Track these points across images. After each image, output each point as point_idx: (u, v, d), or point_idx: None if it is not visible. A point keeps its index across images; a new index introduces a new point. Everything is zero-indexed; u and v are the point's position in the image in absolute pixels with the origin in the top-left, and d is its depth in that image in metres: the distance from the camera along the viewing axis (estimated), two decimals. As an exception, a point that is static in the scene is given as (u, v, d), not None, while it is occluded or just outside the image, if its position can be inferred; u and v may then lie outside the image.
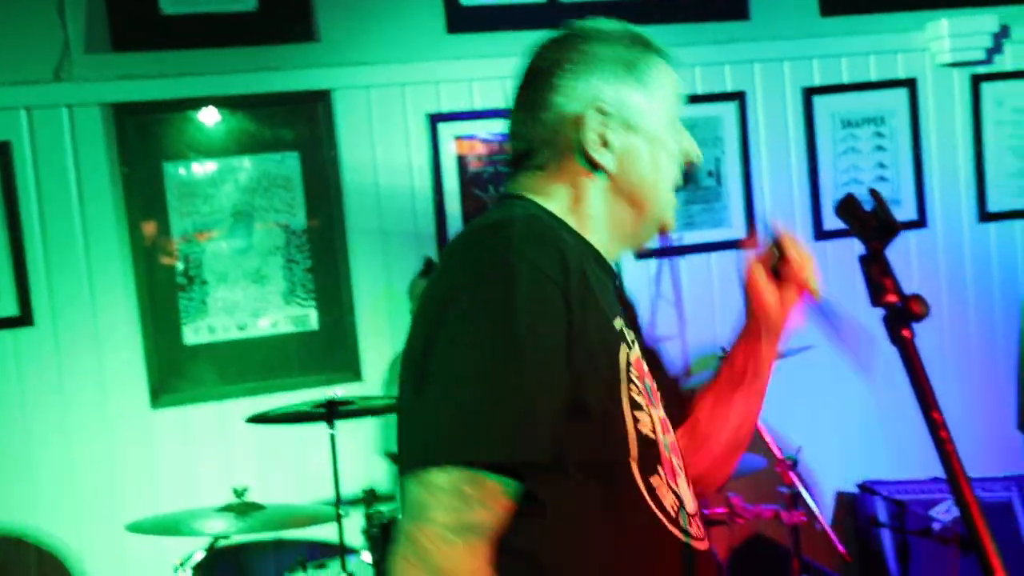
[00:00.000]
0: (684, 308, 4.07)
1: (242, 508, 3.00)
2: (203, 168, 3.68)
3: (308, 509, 3.34)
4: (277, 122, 3.74)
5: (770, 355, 1.53)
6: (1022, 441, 4.48)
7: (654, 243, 1.51)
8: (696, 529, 1.34)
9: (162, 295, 3.64)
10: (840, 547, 3.02)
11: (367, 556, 3.19)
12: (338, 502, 3.09)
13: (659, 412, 1.35)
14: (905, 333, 0.96)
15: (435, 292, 1.23)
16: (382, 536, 2.93)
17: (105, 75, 3.52)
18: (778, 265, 1.49)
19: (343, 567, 3.01)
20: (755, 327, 1.53)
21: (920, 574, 3.97)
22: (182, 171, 3.65)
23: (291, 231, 3.76)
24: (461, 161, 3.88)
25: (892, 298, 0.98)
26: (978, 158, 4.40)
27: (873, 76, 4.28)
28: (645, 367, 1.39)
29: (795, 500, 3.03)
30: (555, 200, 1.37)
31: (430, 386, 1.17)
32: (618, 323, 1.34)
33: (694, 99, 4.01)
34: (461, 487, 1.10)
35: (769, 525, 3.74)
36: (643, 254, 4.00)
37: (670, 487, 1.30)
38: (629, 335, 1.37)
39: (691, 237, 4.07)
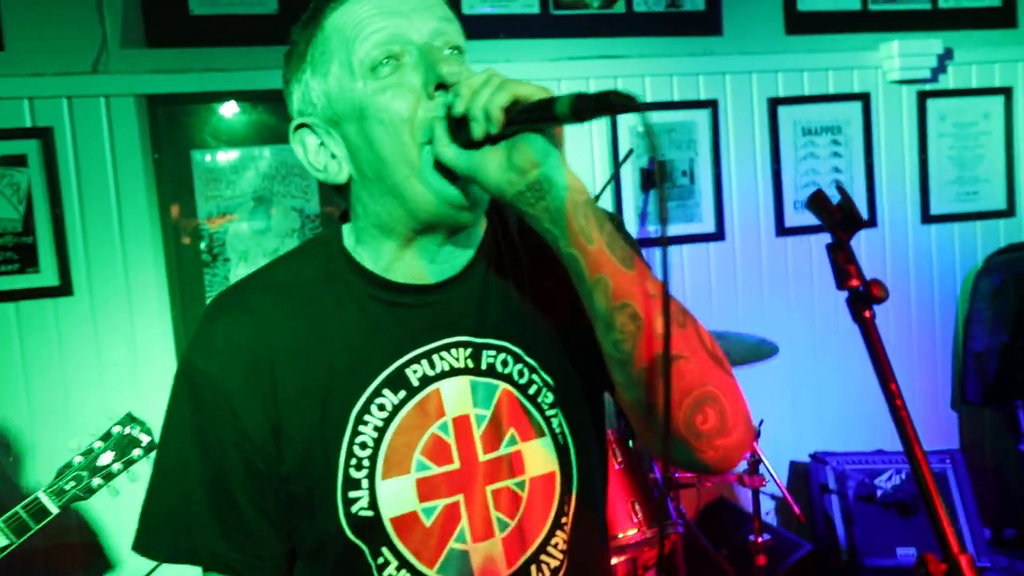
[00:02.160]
0: (659, 293, 4.08)
1: None
2: (226, 156, 3.68)
3: None
4: (294, 116, 3.76)
5: (542, 226, 1.01)
6: (956, 419, 4.55)
7: (451, 223, 1.10)
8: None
9: (188, 270, 3.65)
10: (796, 509, 3.06)
11: None
12: None
13: (418, 475, 1.12)
14: (866, 314, 0.96)
15: None
16: None
17: (139, 69, 3.51)
18: (459, 134, 1.01)
19: None
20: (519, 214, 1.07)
21: (863, 534, 4.03)
22: (208, 158, 3.65)
23: (305, 215, 3.77)
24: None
25: (855, 282, 0.97)
26: (922, 166, 4.42)
27: (831, 90, 4.30)
28: (456, 391, 1.14)
29: (756, 467, 3.03)
30: (351, 219, 1.18)
31: None
32: (384, 369, 1.12)
33: (671, 106, 4.08)
34: None
35: (733, 488, 3.80)
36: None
37: (406, 563, 1.12)
38: (426, 368, 1.13)
39: (667, 231, 4.07)
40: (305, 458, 1.10)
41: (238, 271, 3.68)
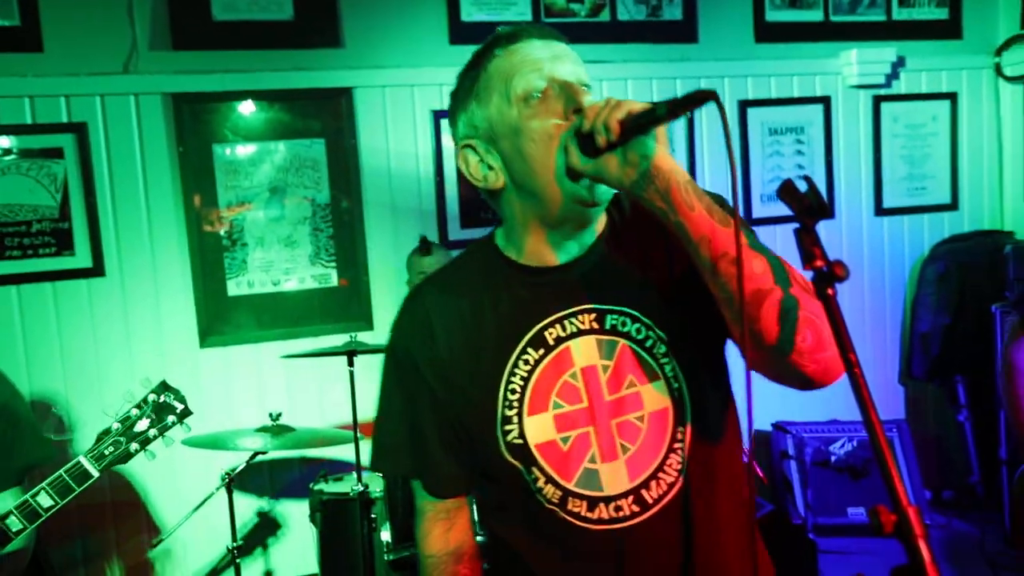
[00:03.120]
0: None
1: (276, 429, 3.00)
2: (245, 150, 3.67)
3: (329, 432, 3.34)
4: (307, 113, 3.73)
5: (659, 207, 1.15)
6: (902, 392, 4.59)
7: (584, 219, 1.28)
8: (607, 511, 1.27)
9: (210, 254, 3.64)
10: (759, 472, 3.08)
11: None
12: (355, 426, 3.09)
13: (555, 412, 1.28)
14: (830, 291, 0.98)
15: None
16: None
17: (166, 69, 3.50)
18: (584, 146, 1.18)
19: (358, 479, 3.00)
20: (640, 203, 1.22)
21: (818, 495, 4.07)
22: (228, 152, 3.64)
23: (317, 204, 3.76)
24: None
25: (820, 263, 0.97)
26: (876, 164, 4.44)
27: (795, 93, 4.31)
28: (581, 351, 1.29)
29: None
30: (502, 230, 1.39)
31: None
32: (527, 332, 1.30)
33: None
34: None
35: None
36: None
37: (551, 479, 1.28)
38: (559, 330, 1.30)
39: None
40: (471, 400, 1.32)
41: (255, 255, 3.68)
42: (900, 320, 4.57)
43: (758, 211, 4.25)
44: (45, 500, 1.72)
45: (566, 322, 1.31)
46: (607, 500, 1.28)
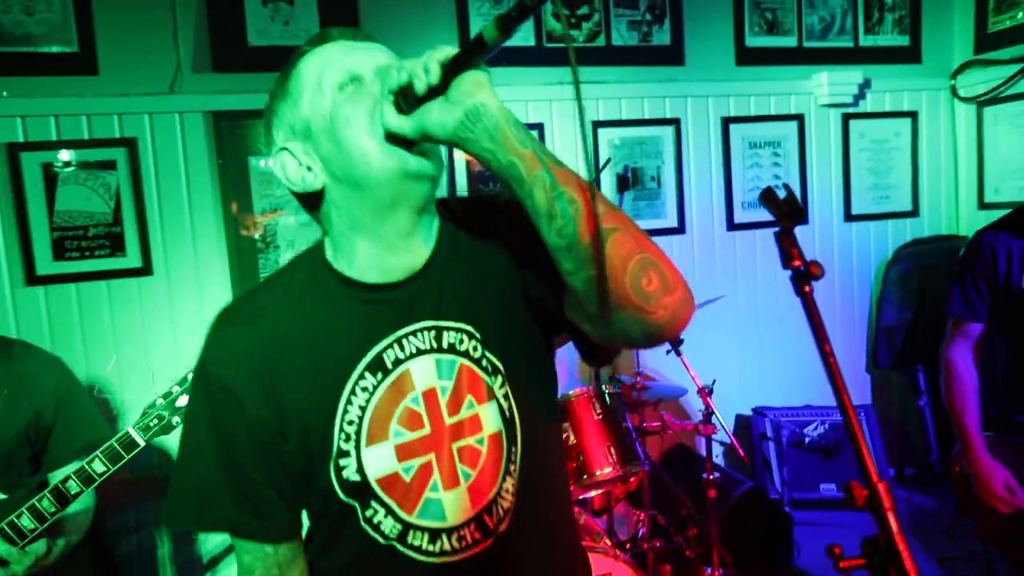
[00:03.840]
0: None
1: None
2: None
3: None
4: (332, 129, 3.77)
5: (485, 153, 1.00)
6: (869, 380, 4.61)
7: (419, 198, 1.09)
8: (448, 542, 1.14)
9: (246, 256, 3.65)
10: (740, 452, 3.09)
11: None
12: None
13: (396, 442, 1.12)
14: (807, 288, 0.97)
15: None
16: None
17: (206, 90, 3.52)
18: (406, 102, 1.02)
19: None
20: (466, 152, 1.05)
21: (793, 473, 4.11)
22: (262, 164, 3.65)
23: None
24: (468, 163, 3.89)
25: (797, 263, 0.97)
26: (845, 175, 4.46)
27: (773, 111, 4.32)
28: (421, 369, 1.13)
29: (708, 419, 3.05)
30: (329, 240, 1.17)
31: None
32: (363, 357, 1.11)
33: (642, 123, 4.10)
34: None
35: (690, 436, 3.84)
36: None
37: (391, 511, 1.12)
38: (398, 352, 1.13)
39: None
40: (304, 435, 1.11)
41: (286, 256, 3.65)
42: (867, 315, 4.59)
43: (739, 217, 4.26)
44: (99, 466, 1.75)
45: (405, 341, 1.13)
46: (449, 531, 1.14)
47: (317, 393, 1.11)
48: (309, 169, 1.10)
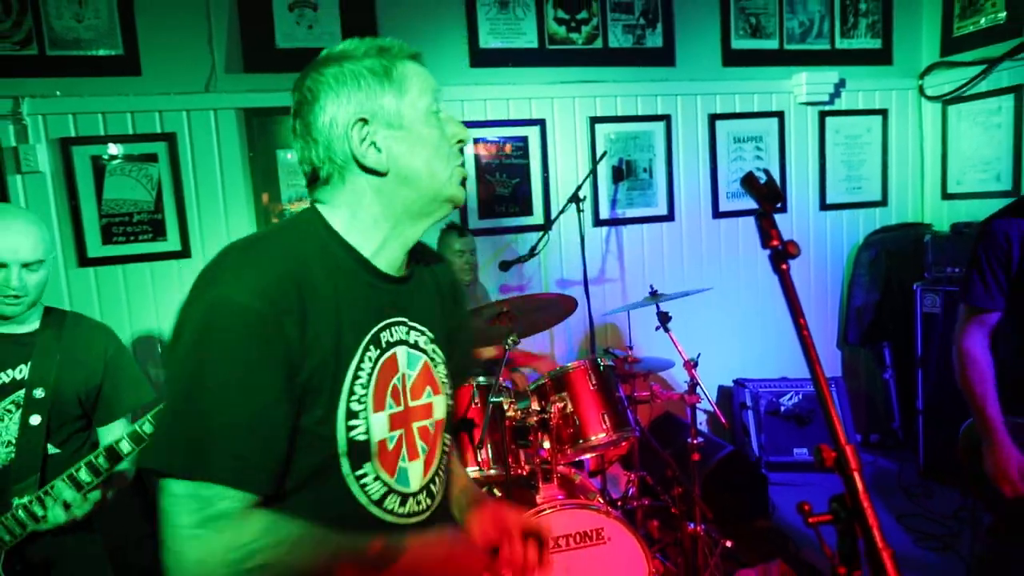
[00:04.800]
0: (624, 260, 4.14)
1: None
2: None
3: None
4: (353, 125, 3.76)
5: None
6: (839, 355, 4.63)
7: (446, 217, 1.21)
8: (410, 505, 1.17)
9: (275, 240, 3.68)
10: (722, 420, 3.09)
11: None
12: None
13: (389, 412, 1.13)
14: (783, 267, 0.96)
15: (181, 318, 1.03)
16: None
17: (239, 88, 3.53)
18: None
19: None
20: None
21: (769, 439, 4.13)
22: (289, 156, 3.66)
23: None
24: (477, 156, 3.90)
25: (776, 243, 0.96)
26: (821, 168, 4.45)
27: (756, 108, 4.31)
28: (404, 356, 1.17)
29: (693, 389, 3.04)
30: (340, 207, 1.14)
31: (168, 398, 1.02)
32: (370, 330, 1.12)
33: (636, 119, 4.10)
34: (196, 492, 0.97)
35: (677, 404, 3.86)
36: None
37: (379, 476, 1.12)
38: (398, 331, 1.17)
39: (631, 213, 4.12)
40: (312, 384, 1.04)
41: None
42: (839, 296, 4.60)
43: (724, 206, 4.27)
44: (148, 427, 1.76)
45: (393, 329, 1.17)
46: (412, 496, 1.18)
47: (335, 349, 1.07)
48: (379, 150, 1.11)
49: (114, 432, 1.87)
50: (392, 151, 1.12)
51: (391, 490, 1.14)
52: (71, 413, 1.83)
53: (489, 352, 3.29)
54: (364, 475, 1.10)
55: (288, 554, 0.99)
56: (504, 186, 3.95)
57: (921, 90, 4.51)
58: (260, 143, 3.61)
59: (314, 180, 1.16)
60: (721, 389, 4.39)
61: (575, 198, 3.50)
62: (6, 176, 3.26)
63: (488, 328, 2.70)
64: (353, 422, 1.08)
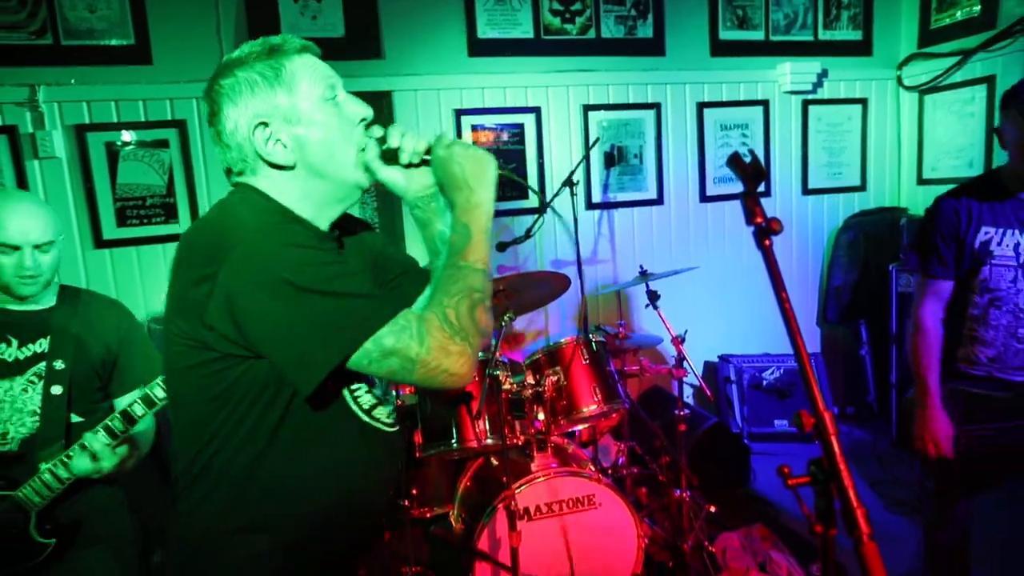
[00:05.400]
0: (615, 241, 4.13)
1: None
2: None
3: None
4: (356, 112, 3.74)
5: (429, 219, 1.35)
6: (819, 332, 4.64)
7: (354, 200, 1.27)
8: (387, 418, 1.27)
9: (282, 222, 3.67)
10: (708, 393, 3.12)
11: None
12: None
13: None
14: (767, 243, 0.97)
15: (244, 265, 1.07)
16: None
17: (246, 77, 3.51)
18: (385, 155, 1.26)
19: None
20: (411, 207, 1.36)
21: (752, 411, 4.16)
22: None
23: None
24: (475, 142, 3.85)
25: (760, 220, 0.97)
26: (804, 154, 4.44)
27: (742, 97, 4.29)
28: None
29: (681, 363, 3.05)
30: (276, 194, 1.20)
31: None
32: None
33: (627, 107, 4.07)
34: None
35: (665, 378, 3.87)
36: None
37: (369, 391, 1.24)
38: None
39: (622, 197, 4.11)
40: None
41: None
42: (819, 276, 4.60)
43: (711, 190, 4.25)
44: (159, 392, 1.77)
45: None
46: (391, 409, 1.29)
47: None
48: (284, 147, 1.16)
49: (127, 401, 1.87)
50: (296, 144, 1.16)
51: (381, 402, 1.26)
52: (91, 384, 1.84)
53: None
54: (357, 389, 1.23)
55: (460, 291, 1.14)
56: (501, 171, 3.93)
57: (899, 80, 4.50)
58: (267, 129, 3.59)
59: (231, 175, 1.25)
60: (707, 364, 4.40)
61: (569, 182, 3.50)
62: (24, 161, 3.24)
63: (485, 306, 2.70)
64: None
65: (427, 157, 1.25)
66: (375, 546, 2.89)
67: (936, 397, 2.07)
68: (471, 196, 1.22)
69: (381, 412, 1.26)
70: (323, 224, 1.24)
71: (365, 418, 1.23)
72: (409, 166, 1.26)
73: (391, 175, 1.27)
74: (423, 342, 1.07)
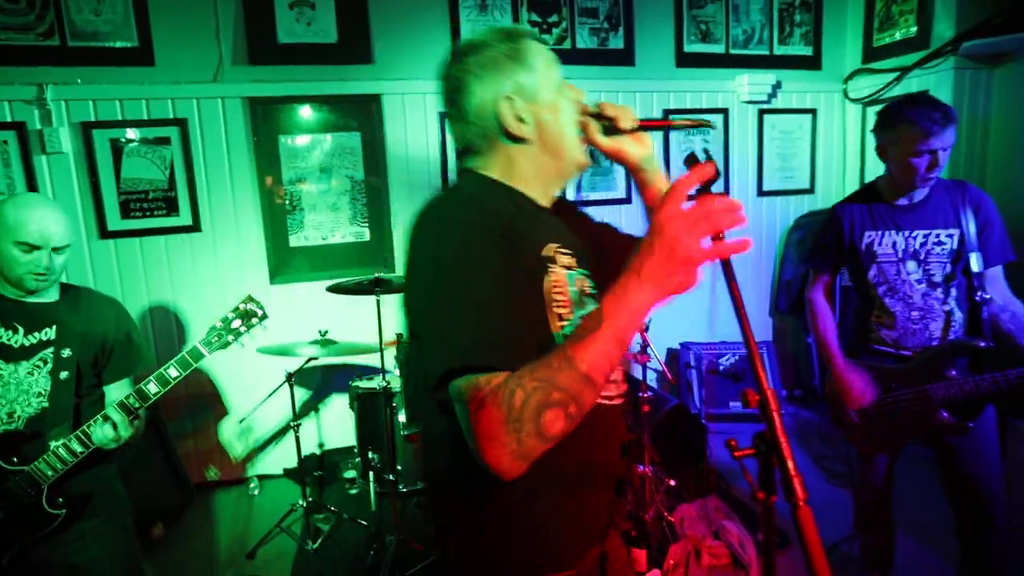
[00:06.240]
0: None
1: (324, 342, 3.01)
2: (302, 140, 3.65)
3: (362, 344, 3.24)
4: (347, 113, 3.70)
5: (652, 178, 1.26)
6: (771, 322, 4.67)
7: (574, 179, 1.26)
8: (609, 390, 1.17)
9: (277, 216, 3.65)
10: (669, 377, 3.12)
11: (397, 372, 3.18)
12: (380, 340, 3.00)
13: (579, 313, 1.12)
14: (720, 239, 0.98)
15: (415, 249, 1.05)
16: (406, 360, 2.83)
17: (244, 79, 3.48)
18: (605, 127, 1.22)
19: (383, 378, 2.95)
20: (634, 173, 1.28)
21: (709, 394, 4.19)
22: (289, 141, 3.62)
23: (355, 181, 3.75)
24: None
25: None
26: (759, 159, 4.48)
27: (704, 105, 4.32)
28: (571, 276, 1.14)
29: (644, 350, 3.05)
30: (495, 171, 1.17)
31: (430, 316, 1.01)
32: (548, 249, 1.12)
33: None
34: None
35: (628, 363, 3.92)
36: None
37: None
38: (563, 254, 1.15)
39: (593, 196, 4.14)
40: (529, 293, 1.08)
41: (309, 217, 3.69)
42: (772, 271, 4.65)
43: (673, 191, 4.29)
44: (173, 371, 1.78)
45: (560, 248, 1.16)
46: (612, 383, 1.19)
47: (526, 266, 1.08)
48: (525, 122, 1.14)
49: (116, 391, 1.89)
50: (535, 120, 1.14)
51: None
52: (90, 371, 1.86)
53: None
54: None
55: (544, 380, 0.91)
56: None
57: (845, 93, 4.56)
58: (263, 129, 3.56)
59: (465, 152, 1.19)
60: (669, 351, 4.45)
61: (544, 182, 3.52)
62: (32, 156, 3.20)
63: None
64: (562, 321, 1.09)
65: (643, 121, 1.23)
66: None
67: (841, 357, 2.22)
68: (638, 278, 0.96)
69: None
70: (544, 202, 1.21)
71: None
72: (626, 132, 1.20)
73: (615, 144, 1.23)
74: (477, 412, 0.91)
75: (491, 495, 1.08)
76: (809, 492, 0.79)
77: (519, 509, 1.09)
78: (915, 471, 2.91)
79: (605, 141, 1.21)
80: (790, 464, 0.81)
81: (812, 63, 4.52)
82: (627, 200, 4.21)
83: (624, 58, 4.12)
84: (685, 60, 4.24)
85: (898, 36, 4.16)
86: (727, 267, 0.98)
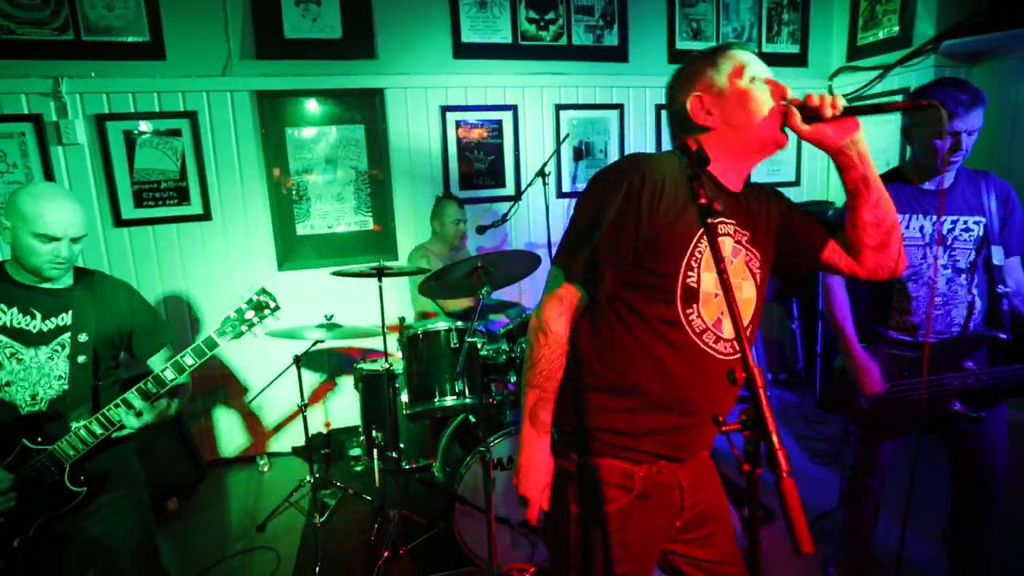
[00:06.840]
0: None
1: (330, 326, 2.97)
2: (308, 132, 3.64)
3: (366, 328, 3.24)
4: (351, 106, 3.68)
5: (853, 163, 1.33)
6: None
7: (769, 155, 1.32)
8: (721, 347, 1.31)
9: (284, 206, 3.64)
10: None
11: (399, 355, 3.16)
12: (383, 324, 3.02)
13: (715, 275, 1.27)
14: (710, 220, 0.99)
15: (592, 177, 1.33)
16: (408, 343, 2.83)
17: (252, 73, 3.46)
18: (806, 115, 1.29)
19: (386, 360, 2.94)
20: (834, 157, 1.35)
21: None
22: (296, 133, 3.61)
23: (359, 172, 3.74)
24: (459, 135, 3.87)
25: (703, 200, 1.00)
26: None
27: None
28: (728, 245, 1.33)
29: None
30: (694, 150, 1.27)
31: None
32: (703, 215, 1.18)
33: (594, 107, 4.08)
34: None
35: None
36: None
37: (700, 316, 1.29)
38: (726, 225, 1.33)
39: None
40: (669, 241, 1.27)
41: (315, 207, 3.68)
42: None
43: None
44: (188, 359, 1.78)
45: (726, 224, 1.33)
46: (725, 340, 1.31)
47: (681, 225, 1.27)
48: (709, 113, 1.32)
49: (159, 363, 1.90)
50: (719, 112, 1.31)
51: (709, 328, 1.29)
52: (108, 353, 1.87)
53: (466, 302, 3.33)
54: (692, 312, 1.28)
55: (529, 368, 1.35)
56: (481, 162, 3.94)
57: (830, 89, 4.54)
58: (271, 121, 3.55)
59: (675, 140, 1.40)
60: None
61: (541, 173, 3.52)
62: (49, 147, 3.18)
63: (465, 280, 2.73)
64: (689, 273, 1.28)
65: (851, 107, 1.27)
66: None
67: (857, 342, 2.14)
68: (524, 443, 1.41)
69: (711, 337, 1.30)
70: (734, 176, 1.35)
71: (699, 342, 1.30)
72: (829, 120, 1.27)
73: (814, 130, 1.30)
74: (545, 294, 1.36)
75: (606, 408, 1.36)
76: (793, 466, 0.81)
77: (623, 416, 1.35)
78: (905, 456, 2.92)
79: (805, 128, 1.30)
80: (774, 438, 0.82)
81: (799, 60, 4.51)
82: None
83: (618, 54, 4.10)
84: (677, 56, 4.22)
85: (881, 35, 4.14)
86: (712, 239, 0.99)
